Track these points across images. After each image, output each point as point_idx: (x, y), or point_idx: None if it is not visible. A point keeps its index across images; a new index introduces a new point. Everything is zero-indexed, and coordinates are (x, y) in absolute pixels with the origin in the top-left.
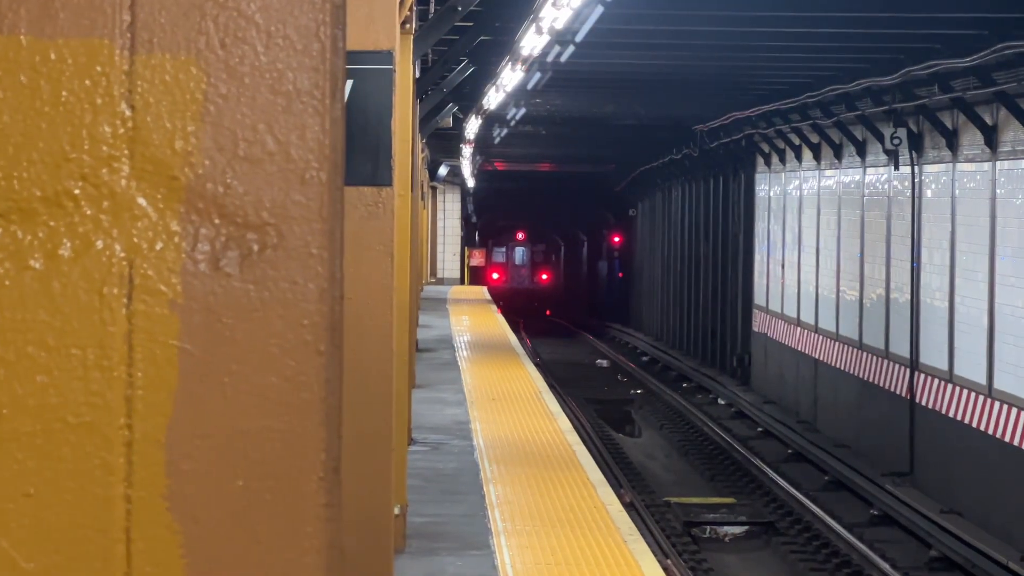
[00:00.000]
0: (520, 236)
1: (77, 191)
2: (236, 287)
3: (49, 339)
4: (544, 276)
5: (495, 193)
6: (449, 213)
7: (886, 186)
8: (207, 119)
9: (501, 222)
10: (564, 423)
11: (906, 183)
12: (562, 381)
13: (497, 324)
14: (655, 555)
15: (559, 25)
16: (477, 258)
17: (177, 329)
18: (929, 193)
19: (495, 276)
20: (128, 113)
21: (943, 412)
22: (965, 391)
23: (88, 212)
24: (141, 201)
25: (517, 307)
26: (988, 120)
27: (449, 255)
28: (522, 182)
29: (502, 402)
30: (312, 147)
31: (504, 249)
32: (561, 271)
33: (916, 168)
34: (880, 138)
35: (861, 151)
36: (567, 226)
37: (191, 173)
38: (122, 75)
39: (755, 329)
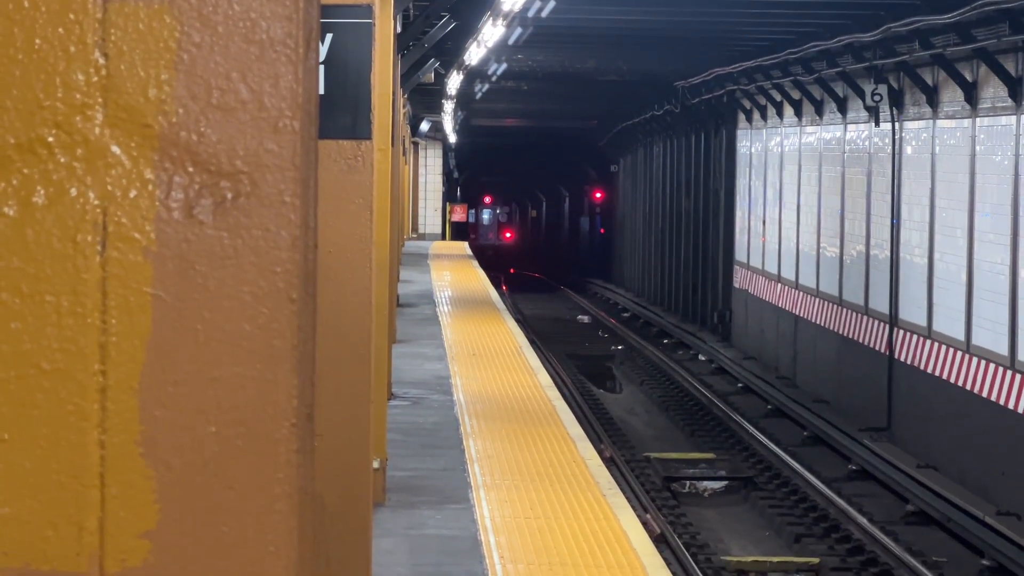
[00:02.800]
0: (488, 200)
1: (51, 139)
2: (209, 235)
3: (23, 286)
4: (508, 235)
5: (477, 149)
6: (431, 169)
7: (867, 143)
8: (180, 67)
9: (483, 178)
10: (544, 378)
11: (887, 140)
12: (543, 337)
13: (478, 280)
14: (634, 509)
15: None
16: (459, 214)
17: (150, 276)
18: (909, 150)
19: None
20: (102, 61)
21: (921, 368)
22: (943, 347)
23: (62, 160)
24: (115, 149)
25: (485, 261)
26: (968, 77)
27: (431, 211)
28: (504, 138)
29: (483, 357)
30: (285, 96)
31: (474, 211)
32: (526, 230)
33: (897, 125)
34: (861, 95)
35: (842, 108)
36: (549, 182)
37: (165, 121)
38: (95, 23)
39: (736, 285)
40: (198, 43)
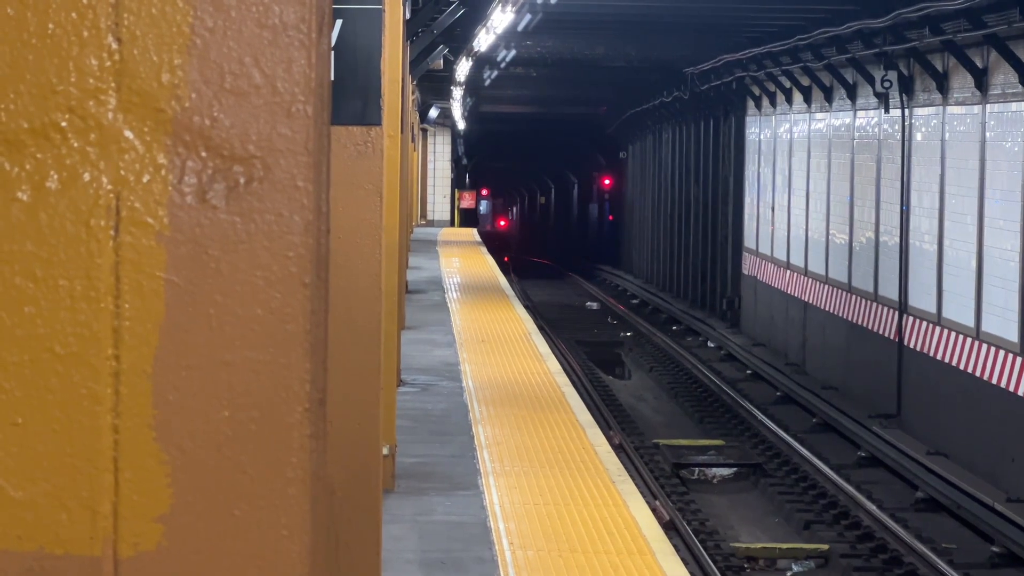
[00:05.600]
0: (484, 192)
1: (64, 123)
2: (222, 219)
3: (36, 270)
4: (502, 223)
5: (486, 135)
6: (440, 155)
7: (876, 129)
8: (193, 52)
9: (496, 164)
10: (553, 365)
11: (896, 126)
12: (552, 323)
13: (487, 266)
14: (643, 496)
15: None
16: (467, 200)
17: (164, 261)
18: (919, 136)
19: None
20: (115, 46)
21: (931, 355)
22: (953, 333)
23: (75, 144)
24: (128, 134)
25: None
26: (979, 63)
27: (439, 197)
28: (513, 124)
29: (491, 344)
30: (298, 81)
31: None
32: (520, 218)
33: (906, 111)
34: (871, 81)
35: (851, 94)
36: (557, 169)
37: (178, 106)
38: (109, 7)
39: (745, 272)
40: (211, 28)
